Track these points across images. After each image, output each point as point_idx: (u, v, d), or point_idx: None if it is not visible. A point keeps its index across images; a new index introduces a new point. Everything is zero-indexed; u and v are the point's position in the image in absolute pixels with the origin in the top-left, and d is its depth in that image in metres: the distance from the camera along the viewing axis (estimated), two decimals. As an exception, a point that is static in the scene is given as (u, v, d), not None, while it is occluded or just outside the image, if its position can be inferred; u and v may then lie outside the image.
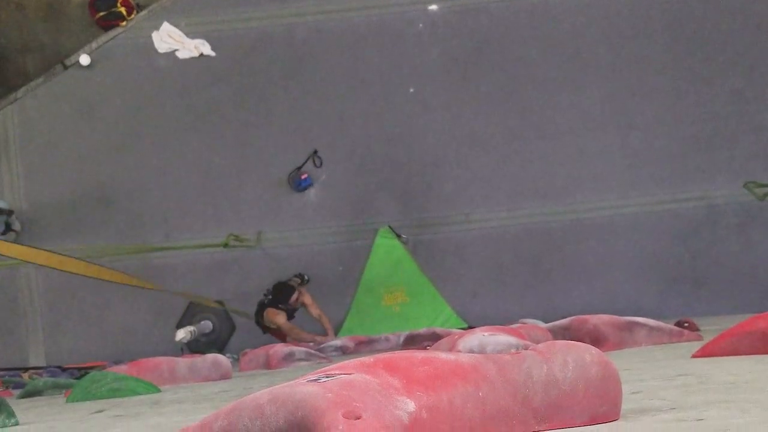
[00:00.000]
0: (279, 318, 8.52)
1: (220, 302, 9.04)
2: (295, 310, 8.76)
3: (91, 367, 6.76)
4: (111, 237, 8.98)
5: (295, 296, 8.75)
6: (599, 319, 4.62)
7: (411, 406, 1.63)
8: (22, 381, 7.07)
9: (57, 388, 5.90)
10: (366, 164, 9.10)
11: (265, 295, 8.65)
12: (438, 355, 1.88)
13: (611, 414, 1.85)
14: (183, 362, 5.77)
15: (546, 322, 5.91)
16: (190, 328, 8.58)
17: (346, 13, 9.20)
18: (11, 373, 7.84)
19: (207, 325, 8.84)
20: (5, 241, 8.80)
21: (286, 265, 8.96)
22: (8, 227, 9.10)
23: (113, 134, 9.23)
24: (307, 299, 8.93)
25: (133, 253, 8.71)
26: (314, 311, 8.94)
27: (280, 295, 8.75)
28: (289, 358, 6.28)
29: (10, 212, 9.15)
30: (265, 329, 8.68)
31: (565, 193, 8.89)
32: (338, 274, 8.87)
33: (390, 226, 9.02)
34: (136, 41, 9.33)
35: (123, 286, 8.99)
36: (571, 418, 1.82)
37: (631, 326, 4.64)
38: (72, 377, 6.63)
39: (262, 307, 8.73)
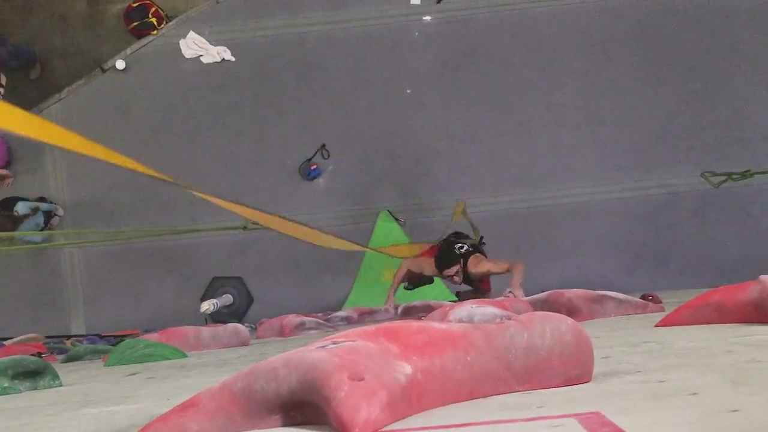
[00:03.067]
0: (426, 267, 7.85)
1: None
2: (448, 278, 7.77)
3: (126, 335, 6.71)
4: (144, 221, 8.97)
5: (454, 269, 7.51)
6: (573, 293, 4.58)
7: (407, 369, 1.63)
8: (65, 347, 7.03)
9: (96, 353, 5.86)
10: (368, 156, 9.12)
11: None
12: (431, 324, 1.89)
13: (584, 376, 1.84)
14: (207, 331, 5.74)
15: (527, 296, 5.88)
16: (213, 300, 8.58)
17: (350, 23, 9.22)
18: (55, 340, 7.81)
19: (228, 298, 8.84)
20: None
21: (297, 245, 8.94)
22: (49, 217, 9.13)
23: (145, 130, 9.25)
24: (483, 266, 7.51)
25: (163, 235, 8.68)
26: (502, 268, 7.35)
27: (441, 259, 7.54)
28: (300, 327, 6.24)
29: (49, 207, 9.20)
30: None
31: (543, 181, 8.88)
32: (343, 253, 8.83)
33: (389, 210, 9.03)
34: (166, 48, 9.33)
35: (155, 266, 8.98)
36: (548, 380, 1.82)
37: (601, 299, 4.61)
38: (109, 344, 6.58)
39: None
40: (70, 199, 9.29)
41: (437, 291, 8.30)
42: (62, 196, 9.30)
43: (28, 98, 9.32)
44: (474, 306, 4.26)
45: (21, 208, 8.78)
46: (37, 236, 8.96)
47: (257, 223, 8.86)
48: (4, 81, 9.11)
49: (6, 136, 9.19)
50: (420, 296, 7.63)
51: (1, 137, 9.13)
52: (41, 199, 9.16)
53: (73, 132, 5.00)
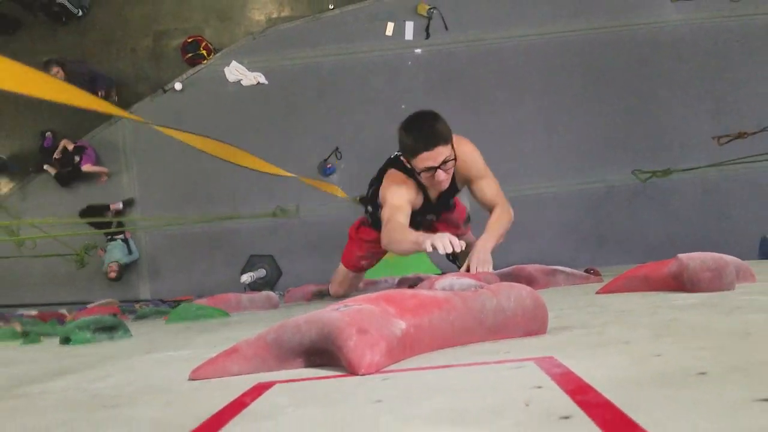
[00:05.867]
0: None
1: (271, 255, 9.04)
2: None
3: (182, 300, 6.72)
4: (196, 210, 8.97)
5: (444, 153, 3.71)
6: (532, 267, 4.57)
7: (402, 325, 1.65)
8: (135, 309, 7.04)
9: (158, 314, 5.87)
10: (372, 157, 9.03)
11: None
12: (421, 291, 1.89)
13: (540, 331, 1.85)
14: (245, 297, 5.73)
15: (495, 270, 5.89)
16: (251, 273, 8.60)
17: (357, 54, 9.21)
18: (127, 304, 7.82)
19: (262, 271, 8.85)
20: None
21: (316, 229, 8.99)
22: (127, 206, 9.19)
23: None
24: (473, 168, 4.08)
25: (210, 220, 8.69)
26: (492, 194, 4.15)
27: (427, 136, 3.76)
28: (319, 294, 6.26)
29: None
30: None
31: (509, 178, 8.85)
32: (353, 234, 8.84)
33: (389, 201, 8.97)
34: (213, 74, 9.32)
35: (204, 246, 9.00)
36: (513, 333, 1.83)
37: (554, 272, 4.59)
38: (169, 307, 6.59)
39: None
40: (139, 193, 9.30)
41: (425, 266, 8.30)
42: (133, 190, 9.31)
43: (106, 114, 9.33)
44: (455, 278, 4.25)
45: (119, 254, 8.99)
46: (124, 256, 9.04)
47: (283, 210, 8.89)
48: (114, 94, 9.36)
49: (90, 141, 9.21)
50: (413, 270, 7.62)
51: (89, 144, 9.13)
52: (129, 202, 9.19)
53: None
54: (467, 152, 4.08)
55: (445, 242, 3.20)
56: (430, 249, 3.22)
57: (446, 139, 3.62)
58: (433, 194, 4.16)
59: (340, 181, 9.14)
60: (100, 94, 9.08)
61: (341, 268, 5.26)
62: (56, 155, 9.02)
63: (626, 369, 1.21)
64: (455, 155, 3.87)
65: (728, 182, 8.86)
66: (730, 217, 8.91)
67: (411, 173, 3.90)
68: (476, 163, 4.10)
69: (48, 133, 9.22)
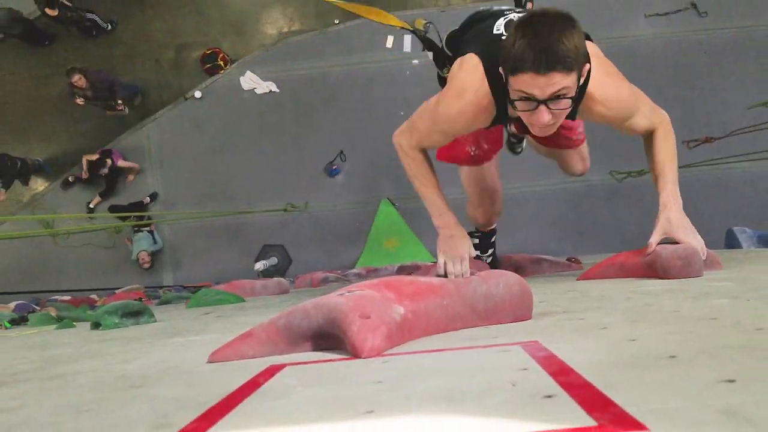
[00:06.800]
0: None
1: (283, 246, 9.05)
2: None
3: (202, 286, 6.72)
4: (215, 206, 8.94)
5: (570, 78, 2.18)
6: (519, 256, 4.57)
7: (401, 310, 1.65)
8: (159, 295, 7.03)
9: (180, 299, 5.86)
10: (373, 159, 9.11)
11: None
12: (418, 278, 1.89)
13: (526, 316, 1.84)
14: (259, 283, 5.74)
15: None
16: (264, 261, 8.60)
17: (360, 64, 9.19)
18: (152, 290, 7.81)
19: (274, 260, 8.85)
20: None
21: (323, 222, 8.99)
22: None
23: (215, 142, 9.26)
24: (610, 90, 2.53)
25: (227, 215, 8.71)
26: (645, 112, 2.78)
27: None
28: (324, 280, 6.25)
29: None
30: None
31: (501, 177, 8.89)
32: (356, 228, 8.85)
33: (388, 198, 9.00)
34: (230, 82, 9.29)
35: (222, 237, 9.01)
36: (501, 319, 1.82)
37: (539, 261, 4.59)
38: (190, 292, 6.58)
39: None
40: (163, 189, 9.31)
41: (422, 255, 8.31)
42: (157, 186, 9.31)
43: (133, 119, 9.33)
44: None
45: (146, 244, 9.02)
46: (150, 246, 9.06)
47: (294, 206, 8.89)
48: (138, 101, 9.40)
49: (115, 147, 9.20)
50: (411, 259, 7.63)
51: (115, 150, 9.11)
52: (154, 196, 9.19)
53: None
54: (610, 98, 2.52)
55: (457, 271, 2.22)
56: (441, 267, 2.29)
57: (571, 65, 2.03)
58: (521, 131, 2.70)
59: (345, 182, 9.14)
60: (119, 102, 9.10)
61: (462, 172, 3.76)
62: (84, 175, 9.01)
63: (604, 353, 1.21)
64: (581, 95, 2.40)
65: (697, 182, 8.83)
66: (699, 212, 8.85)
67: (499, 91, 2.35)
68: (622, 111, 2.61)
69: (71, 178, 9.20)
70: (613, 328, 1.49)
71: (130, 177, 9.22)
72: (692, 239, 2.58)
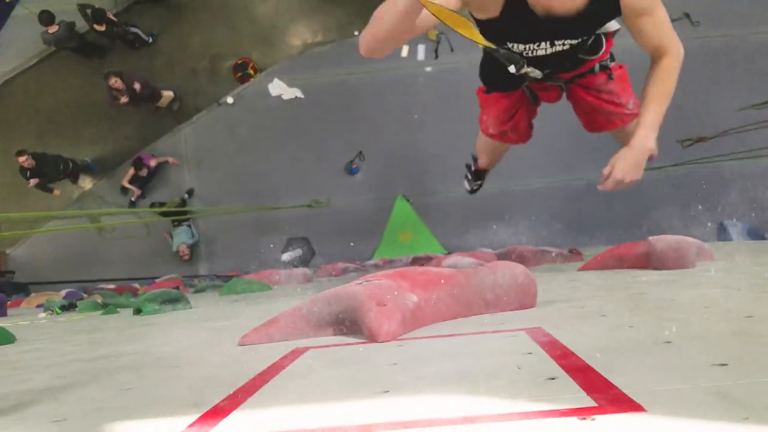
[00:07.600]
0: None
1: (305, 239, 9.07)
2: None
3: (233, 276, 6.78)
4: (245, 202, 8.99)
5: None
6: (524, 248, 4.56)
7: (414, 298, 1.65)
8: (194, 283, 7.10)
9: (214, 287, 5.91)
10: (390, 158, 9.11)
11: None
12: (430, 269, 1.88)
13: (531, 304, 1.83)
14: (285, 273, 5.77)
15: (493, 250, 5.83)
16: (290, 252, 8.65)
17: (377, 72, 9.14)
18: (188, 279, 7.88)
19: (298, 251, 8.88)
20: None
21: (345, 217, 9.00)
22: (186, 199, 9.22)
23: (246, 143, 9.29)
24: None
25: (257, 210, 8.75)
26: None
27: None
28: (345, 270, 6.27)
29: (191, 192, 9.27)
30: None
31: (508, 174, 8.76)
32: (374, 222, 8.86)
33: (403, 195, 8.98)
34: (259, 89, 9.30)
35: (252, 231, 9.02)
36: (507, 306, 1.81)
37: (542, 252, 4.57)
38: (222, 281, 6.64)
39: None
40: (198, 188, 9.36)
41: (435, 248, 8.29)
42: (193, 183, 9.36)
43: (170, 122, 9.40)
44: (459, 257, 4.25)
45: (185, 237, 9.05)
46: (188, 239, 9.12)
47: (318, 202, 8.90)
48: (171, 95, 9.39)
49: (152, 151, 9.27)
50: (424, 251, 7.61)
51: (142, 154, 9.15)
52: (190, 192, 9.23)
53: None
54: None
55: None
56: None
57: None
58: (537, 7, 2.02)
59: (364, 179, 9.12)
60: (174, 108, 9.16)
61: (480, 137, 3.74)
62: (137, 192, 9.13)
63: (603, 338, 1.19)
64: None
65: (691, 178, 8.72)
66: (693, 206, 8.79)
67: None
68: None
69: (133, 198, 9.30)
70: (612, 315, 1.47)
71: (171, 160, 9.22)
72: (618, 164, 2.33)
